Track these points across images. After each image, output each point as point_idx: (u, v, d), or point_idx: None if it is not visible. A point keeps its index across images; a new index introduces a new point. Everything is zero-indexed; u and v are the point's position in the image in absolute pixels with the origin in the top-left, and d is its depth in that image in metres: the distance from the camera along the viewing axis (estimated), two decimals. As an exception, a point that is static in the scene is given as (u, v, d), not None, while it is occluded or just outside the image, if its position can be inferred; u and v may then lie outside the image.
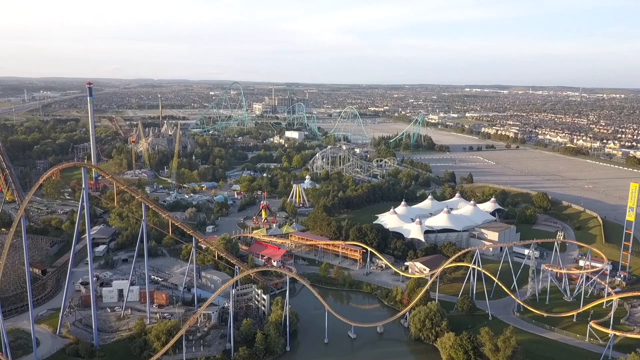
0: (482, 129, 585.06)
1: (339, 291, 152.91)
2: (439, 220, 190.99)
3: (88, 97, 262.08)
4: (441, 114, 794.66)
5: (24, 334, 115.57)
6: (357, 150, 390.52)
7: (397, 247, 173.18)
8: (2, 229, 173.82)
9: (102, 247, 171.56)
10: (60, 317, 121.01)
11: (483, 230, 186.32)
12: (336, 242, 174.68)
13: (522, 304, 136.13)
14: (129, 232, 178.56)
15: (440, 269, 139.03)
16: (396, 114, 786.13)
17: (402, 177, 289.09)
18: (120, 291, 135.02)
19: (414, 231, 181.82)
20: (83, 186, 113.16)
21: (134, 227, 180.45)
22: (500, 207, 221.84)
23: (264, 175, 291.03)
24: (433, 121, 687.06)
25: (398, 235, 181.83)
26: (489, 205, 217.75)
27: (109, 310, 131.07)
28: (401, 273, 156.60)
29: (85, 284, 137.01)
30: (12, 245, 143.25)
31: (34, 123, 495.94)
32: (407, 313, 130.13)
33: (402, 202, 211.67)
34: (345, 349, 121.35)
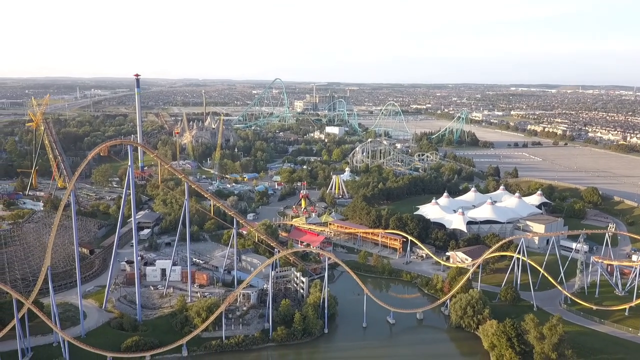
0: (528, 127, 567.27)
1: (378, 279, 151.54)
2: (482, 212, 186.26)
3: (136, 89, 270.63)
4: (485, 112, 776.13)
5: (72, 307, 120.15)
6: (398, 146, 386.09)
7: (438, 237, 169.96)
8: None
9: (146, 231, 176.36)
10: (106, 293, 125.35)
11: (528, 223, 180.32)
12: (376, 231, 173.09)
13: (570, 296, 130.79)
14: (173, 217, 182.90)
15: (483, 256, 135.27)
16: (439, 112, 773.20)
17: (444, 171, 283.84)
18: (163, 270, 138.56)
19: (456, 222, 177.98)
20: (129, 163, 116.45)
21: (177, 212, 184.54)
22: (547, 201, 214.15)
23: (304, 167, 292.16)
24: (477, 119, 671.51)
25: (439, 226, 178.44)
26: (535, 199, 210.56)
27: (152, 289, 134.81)
28: (442, 262, 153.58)
29: (130, 262, 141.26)
30: (63, 226, 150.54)
31: (85, 118, 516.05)
32: (448, 301, 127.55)
33: (444, 194, 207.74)
34: (383, 333, 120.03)
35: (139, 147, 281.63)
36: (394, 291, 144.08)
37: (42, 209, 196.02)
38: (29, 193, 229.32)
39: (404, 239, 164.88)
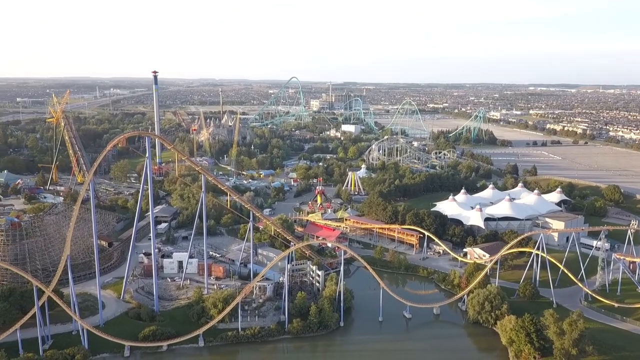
0: (548, 126, 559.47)
1: (394, 274, 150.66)
2: (501, 209, 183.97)
3: (154, 85, 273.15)
4: (503, 111, 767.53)
5: (91, 297, 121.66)
6: (415, 144, 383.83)
7: (455, 233, 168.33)
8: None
9: (164, 225, 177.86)
10: (124, 284, 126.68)
11: (548, 220, 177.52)
12: (392, 226, 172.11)
13: (590, 293, 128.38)
14: (190, 211, 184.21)
15: (501, 252, 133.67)
16: (456, 111, 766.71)
17: (461, 169, 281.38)
18: (180, 263, 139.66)
19: (473, 218, 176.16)
20: (147, 155, 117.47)
21: (194, 207, 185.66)
22: (567, 199, 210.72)
23: (320, 164, 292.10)
24: (495, 118, 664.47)
25: (457, 222, 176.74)
26: (554, 196, 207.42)
27: (169, 280, 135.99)
28: (460, 258, 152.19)
29: (147, 255, 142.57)
30: (83, 219, 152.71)
31: (104, 116, 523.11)
32: (465, 296, 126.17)
33: (462, 191, 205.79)
34: (400, 328, 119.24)
35: (156, 143, 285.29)
36: (410, 286, 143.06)
37: (62, 202, 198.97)
38: (50, 188, 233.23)
39: (421, 235, 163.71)
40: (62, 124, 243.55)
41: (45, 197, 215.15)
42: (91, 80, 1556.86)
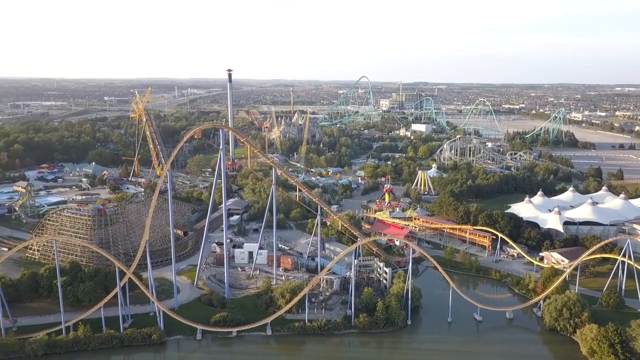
0: (637, 128, 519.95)
1: (465, 275, 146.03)
2: (582, 212, 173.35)
3: (228, 83, 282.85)
4: (586, 112, 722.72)
5: (167, 282, 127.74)
6: (489, 144, 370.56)
7: (531, 236, 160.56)
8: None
9: (236, 217, 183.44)
10: (197, 271, 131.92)
11: (636, 226, 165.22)
12: (464, 227, 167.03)
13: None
14: (260, 205, 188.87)
15: (582, 257, 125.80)
16: (533, 112, 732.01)
17: (538, 171, 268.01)
18: (250, 253, 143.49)
19: (551, 221, 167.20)
20: (220, 147, 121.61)
21: (265, 200, 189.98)
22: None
23: (389, 163, 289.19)
24: (576, 119, 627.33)
25: (532, 225, 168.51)
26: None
27: (240, 270, 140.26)
28: (535, 262, 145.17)
29: (220, 244, 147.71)
30: (161, 208, 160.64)
31: (181, 114, 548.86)
32: (541, 302, 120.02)
33: (539, 193, 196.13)
34: (469, 330, 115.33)
35: (230, 139, 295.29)
36: (481, 289, 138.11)
37: (142, 192, 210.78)
38: (132, 179, 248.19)
39: (494, 237, 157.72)
40: (144, 119, 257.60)
41: (127, 188, 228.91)
42: (170, 81, 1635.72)
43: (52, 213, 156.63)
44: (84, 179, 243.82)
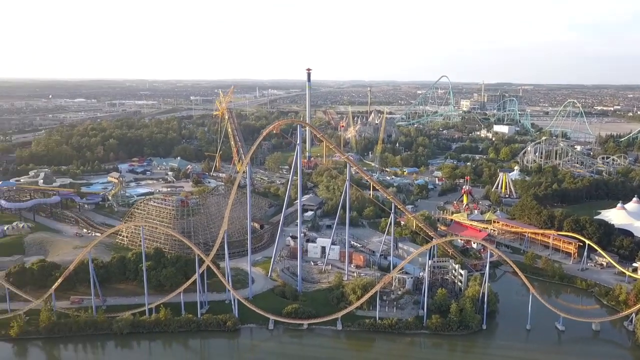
0: None
1: (546, 283, 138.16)
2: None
3: (307, 82, 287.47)
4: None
5: (242, 272, 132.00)
6: (578, 147, 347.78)
7: (623, 245, 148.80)
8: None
9: (310, 213, 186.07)
10: (271, 264, 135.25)
11: None
12: (547, 232, 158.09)
13: None
14: (334, 202, 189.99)
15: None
16: (630, 114, 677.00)
17: (634, 176, 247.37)
18: (323, 248, 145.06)
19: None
20: (297, 142, 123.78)
21: (338, 198, 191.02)
22: None
23: (468, 164, 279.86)
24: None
25: (625, 233, 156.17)
26: None
27: (312, 264, 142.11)
28: (628, 273, 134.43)
29: (294, 238, 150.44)
30: (239, 202, 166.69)
31: (262, 113, 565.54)
32: (633, 315, 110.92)
33: (634, 199, 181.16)
34: (550, 339, 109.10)
35: (307, 137, 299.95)
36: (564, 298, 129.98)
37: (223, 186, 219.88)
38: (213, 174, 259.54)
39: (580, 244, 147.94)
40: (226, 117, 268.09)
41: (209, 182, 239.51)
42: (252, 82, 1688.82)
43: (140, 202, 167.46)
44: (169, 173, 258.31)
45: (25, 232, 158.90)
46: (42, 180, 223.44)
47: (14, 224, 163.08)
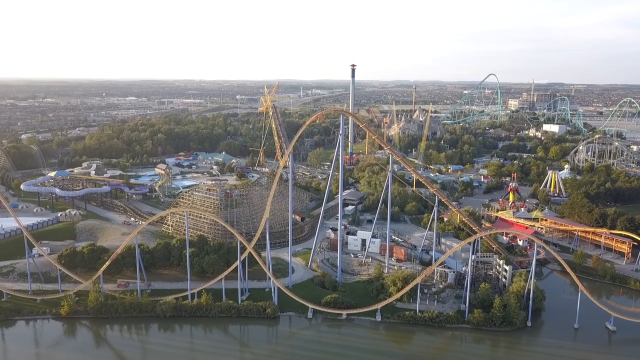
0: None
1: (597, 282, 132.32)
2: None
3: (351, 78, 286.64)
4: None
5: (283, 262, 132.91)
6: (634, 147, 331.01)
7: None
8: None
9: (350, 207, 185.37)
10: (311, 254, 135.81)
11: None
12: (598, 230, 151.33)
13: None
14: (375, 197, 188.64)
15: None
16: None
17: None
18: (363, 241, 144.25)
19: None
20: (340, 132, 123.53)
21: (380, 193, 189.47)
22: None
23: (515, 162, 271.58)
24: None
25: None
26: None
27: (352, 256, 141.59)
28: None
29: (334, 230, 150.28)
30: (282, 194, 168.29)
31: (305, 112, 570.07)
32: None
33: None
34: (600, 339, 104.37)
35: (350, 133, 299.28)
36: (616, 299, 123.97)
37: (266, 178, 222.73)
38: (256, 168, 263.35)
39: (635, 243, 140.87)
40: (270, 112, 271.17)
41: (253, 176, 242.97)
42: (296, 82, 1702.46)
43: (186, 192, 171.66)
44: (214, 167, 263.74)
45: (77, 219, 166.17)
46: (94, 171, 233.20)
47: (67, 211, 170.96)
